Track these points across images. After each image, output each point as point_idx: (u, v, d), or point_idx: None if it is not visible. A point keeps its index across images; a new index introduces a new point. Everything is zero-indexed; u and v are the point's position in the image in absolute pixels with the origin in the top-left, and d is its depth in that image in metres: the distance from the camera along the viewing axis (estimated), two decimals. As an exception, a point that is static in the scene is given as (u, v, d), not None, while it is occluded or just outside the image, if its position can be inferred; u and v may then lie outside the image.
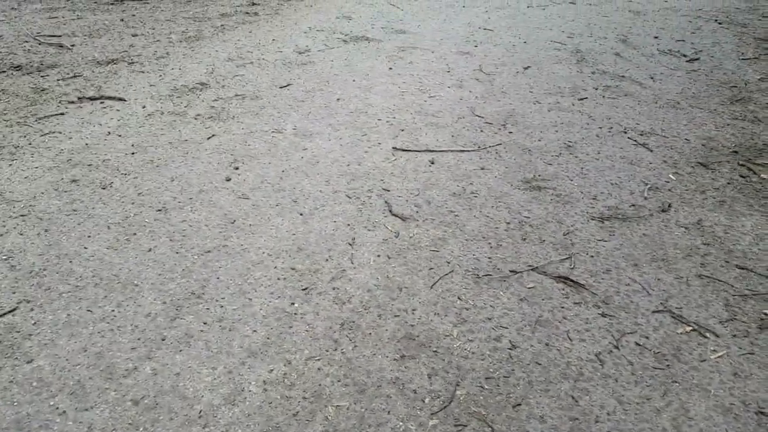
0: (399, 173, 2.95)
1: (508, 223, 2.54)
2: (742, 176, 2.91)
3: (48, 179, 2.77)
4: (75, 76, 3.66)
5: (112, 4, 4.97)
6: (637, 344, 1.88)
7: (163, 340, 1.88)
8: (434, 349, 1.86)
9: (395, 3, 5.56)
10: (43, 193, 2.68)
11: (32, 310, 2.00)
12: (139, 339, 1.88)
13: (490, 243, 2.40)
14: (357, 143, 3.25)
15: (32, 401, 1.65)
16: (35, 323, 1.94)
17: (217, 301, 2.05)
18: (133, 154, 2.97)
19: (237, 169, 2.94)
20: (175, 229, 2.45)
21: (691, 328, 1.96)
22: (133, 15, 4.75)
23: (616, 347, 1.87)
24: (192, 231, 2.44)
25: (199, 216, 2.54)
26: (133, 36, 4.35)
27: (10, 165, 2.89)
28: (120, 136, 3.12)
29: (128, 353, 1.82)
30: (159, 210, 2.57)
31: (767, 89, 3.88)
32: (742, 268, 2.25)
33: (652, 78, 4.09)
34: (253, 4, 5.34)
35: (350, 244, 2.38)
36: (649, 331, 1.94)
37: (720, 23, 5.23)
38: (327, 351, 1.85)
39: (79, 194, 2.67)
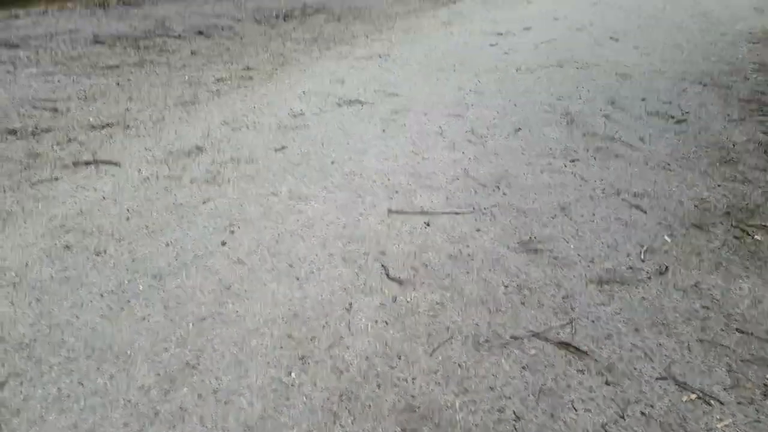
0: (395, 236, 2.95)
1: (507, 286, 2.52)
2: (736, 237, 2.93)
3: (41, 246, 2.74)
4: (70, 141, 3.69)
5: (108, 68, 5.07)
6: (643, 414, 1.84)
7: (157, 415, 1.82)
8: (436, 422, 1.81)
9: (387, 67, 5.71)
10: (35, 260, 2.64)
11: (21, 384, 1.94)
12: (131, 414, 1.82)
13: (489, 308, 2.38)
14: (352, 205, 3.26)
15: (17, 484, 1.57)
16: (24, 398, 1.88)
17: (212, 371, 2.00)
18: (127, 219, 2.96)
19: (233, 233, 2.93)
20: (169, 296, 2.41)
21: (695, 395, 1.93)
22: (129, 79, 4.83)
23: (622, 417, 1.83)
24: (187, 297, 2.40)
25: (194, 282, 2.51)
26: (128, 100, 4.42)
27: (3, 232, 2.87)
28: (115, 201, 3.11)
29: (120, 429, 1.76)
30: (154, 276, 2.54)
31: (755, 150, 3.97)
32: (743, 332, 2.24)
33: (641, 140, 4.18)
34: (248, 68, 5.46)
35: (347, 310, 2.35)
36: (654, 399, 1.90)
37: (705, 85, 5.39)
38: (326, 425, 1.79)
39: (72, 261, 2.64)
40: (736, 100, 4.99)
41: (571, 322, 2.29)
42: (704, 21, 7.94)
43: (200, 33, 6.49)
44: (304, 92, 4.98)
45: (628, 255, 2.78)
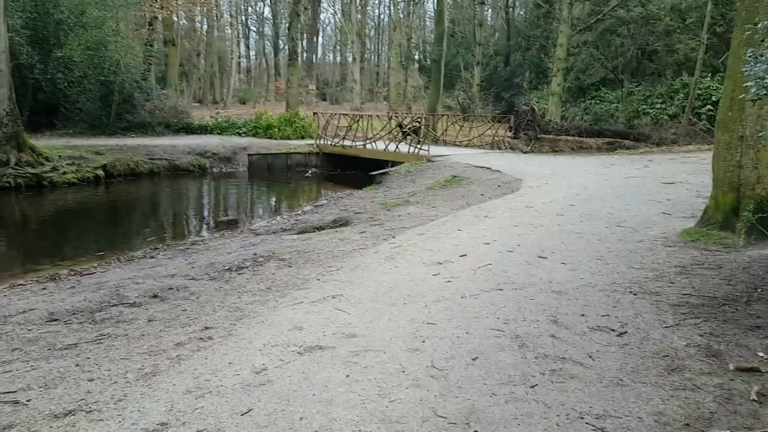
0: (375, 497, 2.90)
1: None
2: (701, 452, 3.05)
3: None
4: (32, 436, 3.60)
5: (65, 348, 5.09)
6: None
7: None
8: None
9: (341, 307, 5.99)
10: None
11: None
12: None
13: None
14: (327, 467, 3.21)
15: None
16: None
17: None
18: None
19: None
20: None
21: None
22: (88, 358, 4.85)
23: None
24: None
25: None
26: (89, 381, 4.40)
27: None
28: (81, 502, 2.97)
29: None
30: None
31: (696, 354, 4.28)
32: None
33: (590, 356, 4.44)
34: (207, 328, 5.59)
35: None
36: None
37: (635, 294, 5.89)
38: None
39: None
40: (668, 306, 5.46)
41: None
42: (620, 230, 8.91)
43: (155, 296, 6.69)
44: (264, 345, 5.11)
45: (607, 486, 2.82)
